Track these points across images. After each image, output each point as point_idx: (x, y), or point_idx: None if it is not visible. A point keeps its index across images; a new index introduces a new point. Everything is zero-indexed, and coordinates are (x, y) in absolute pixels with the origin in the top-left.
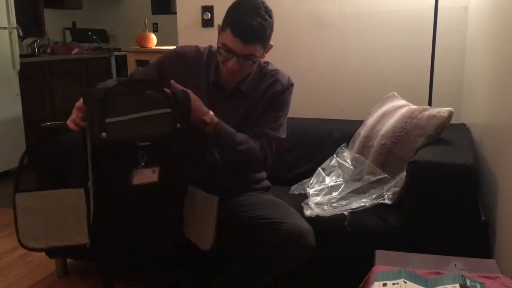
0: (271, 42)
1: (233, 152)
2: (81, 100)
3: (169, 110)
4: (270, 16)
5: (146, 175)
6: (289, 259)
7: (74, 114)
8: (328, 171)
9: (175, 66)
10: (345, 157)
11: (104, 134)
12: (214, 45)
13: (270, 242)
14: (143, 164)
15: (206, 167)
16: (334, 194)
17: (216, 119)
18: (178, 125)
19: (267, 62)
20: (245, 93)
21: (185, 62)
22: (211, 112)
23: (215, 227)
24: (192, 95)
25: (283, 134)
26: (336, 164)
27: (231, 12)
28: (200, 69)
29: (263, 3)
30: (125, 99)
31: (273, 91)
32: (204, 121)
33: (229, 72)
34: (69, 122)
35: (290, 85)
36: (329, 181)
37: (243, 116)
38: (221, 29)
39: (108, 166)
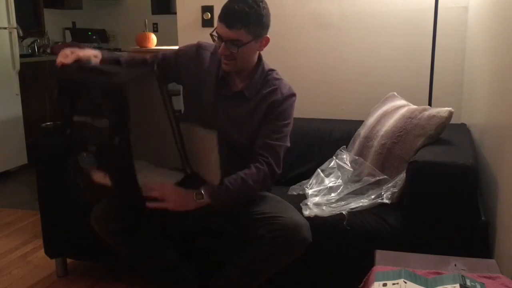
0: (268, 35)
1: (237, 197)
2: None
3: (106, 123)
4: (259, 6)
5: (99, 177)
6: (286, 253)
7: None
8: (327, 173)
9: (192, 57)
10: (344, 159)
11: (68, 130)
12: None
13: (266, 236)
14: (84, 166)
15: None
16: (333, 195)
17: (206, 199)
18: (117, 139)
19: (272, 70)
20: (248, 97)
21: (201, 55)
22: (196, 199)
23: (219, 161)
24: (168, 195)
25: (286, 142)
26: (335, 166)
27: (222, 7)
28: (213, 65)
29: None
30: (85, 97)
31: (272, 99)
32: (200, 204)
33: (222, 57)
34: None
35: (290, 95)
36: (328, 182)
37: (244, 117)
38: None
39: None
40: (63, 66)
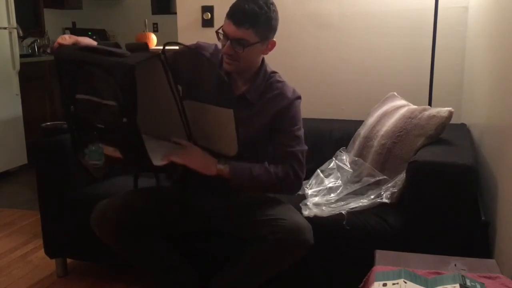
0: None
1: (256, 184)
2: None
3: (114, 103)
4: (269, 8)
5: (109, 150)
6: (287, 255)
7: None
8: (326, 173)
9: (191, 59)
10: (344, 160)
11: (72, 107)
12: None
13: (268, 238)
14: (92, 147)
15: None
16: (333, 195)
17: (226, 168)
18: (125, 119)
19: (274, 72)
20: (250, 101)
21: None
22: (218, 165)
23: (236, 133)
24: (193, 154)
25: (303, 145)
26: (334, 167)
27: (231, 5)
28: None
29: None
30: (89, 75)
31: (279, 107)
32: (217, 173)
33: (225, 56)
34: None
35: (295, 98)
36: (327, 182)
37: (247, 120)
38: None
39: (77, 139)
40: (62, 46)
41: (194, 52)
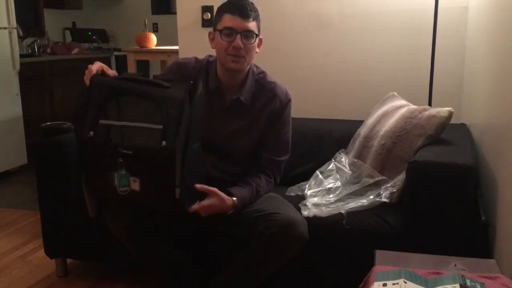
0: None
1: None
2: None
3: (160, 127)
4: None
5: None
6: (282, 250)
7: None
8: (326, 175)
9: (176, 75)
10: (343, 162)
11: (92, 133)
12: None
13: (263, 233)
14: (122, 172)
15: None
16: (332, 196)
17: (236, 204)
18: (164, 142)
19: (263, 72)
20: (245, 104)
21: (185, 72)
22: (233, 199)
23: None
24: (215, 202)
25: (288, 153)
26: (333, 168)
27: (223, 5)
28: (199, 77)
29: None
30: (125, 103)
31: (272, 108)
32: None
33: (234, 52)
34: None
35: (288, 101)
36: (327, 183)
37: (241, 129)
38: (216, 21)
39: (92, 164)
40: (97, 74)
41: (177, 67)
